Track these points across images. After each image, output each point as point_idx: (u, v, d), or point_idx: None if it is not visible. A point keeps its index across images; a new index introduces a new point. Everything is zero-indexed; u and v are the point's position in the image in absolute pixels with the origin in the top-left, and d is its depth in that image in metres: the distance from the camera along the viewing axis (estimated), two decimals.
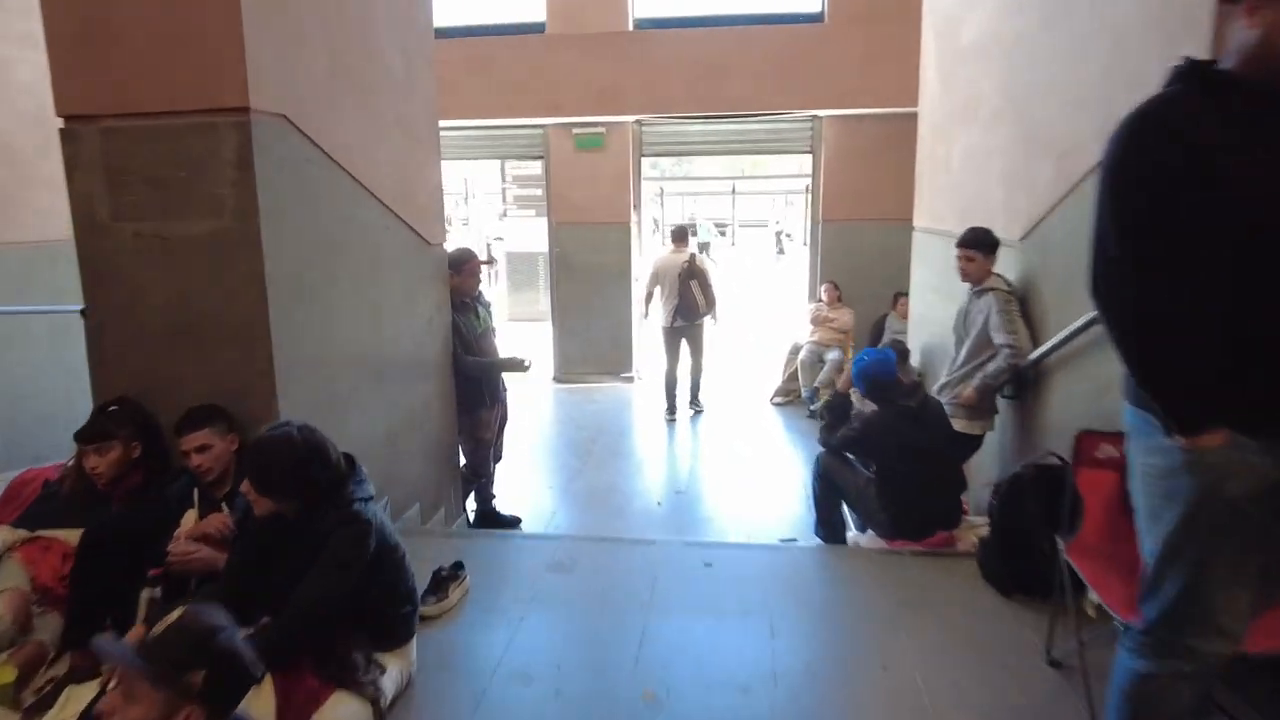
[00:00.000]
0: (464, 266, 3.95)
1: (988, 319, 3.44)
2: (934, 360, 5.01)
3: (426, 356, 3.63)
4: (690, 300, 6.31)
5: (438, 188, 3.79)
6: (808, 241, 7.82)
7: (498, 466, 4.46)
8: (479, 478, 4.23)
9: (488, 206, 13.33)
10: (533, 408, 7.09)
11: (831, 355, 6.99)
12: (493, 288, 13.22)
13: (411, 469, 3.49)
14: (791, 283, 14.47)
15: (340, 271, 2.86)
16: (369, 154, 3.06)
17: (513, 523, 4.40)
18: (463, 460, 4.19)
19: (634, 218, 7.73)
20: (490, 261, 14.05)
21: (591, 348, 7.96)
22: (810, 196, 7.65)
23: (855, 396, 3.78)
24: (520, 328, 11.39)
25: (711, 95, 6.97)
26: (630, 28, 7.13)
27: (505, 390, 4.36)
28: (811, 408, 6.74)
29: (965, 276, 3.54)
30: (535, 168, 8.86)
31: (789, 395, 7.21)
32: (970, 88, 4.24)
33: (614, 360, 7.95)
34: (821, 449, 3.57)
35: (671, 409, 6.63)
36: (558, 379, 8.05)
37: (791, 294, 14.31)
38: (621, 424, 6.59)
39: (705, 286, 6.40)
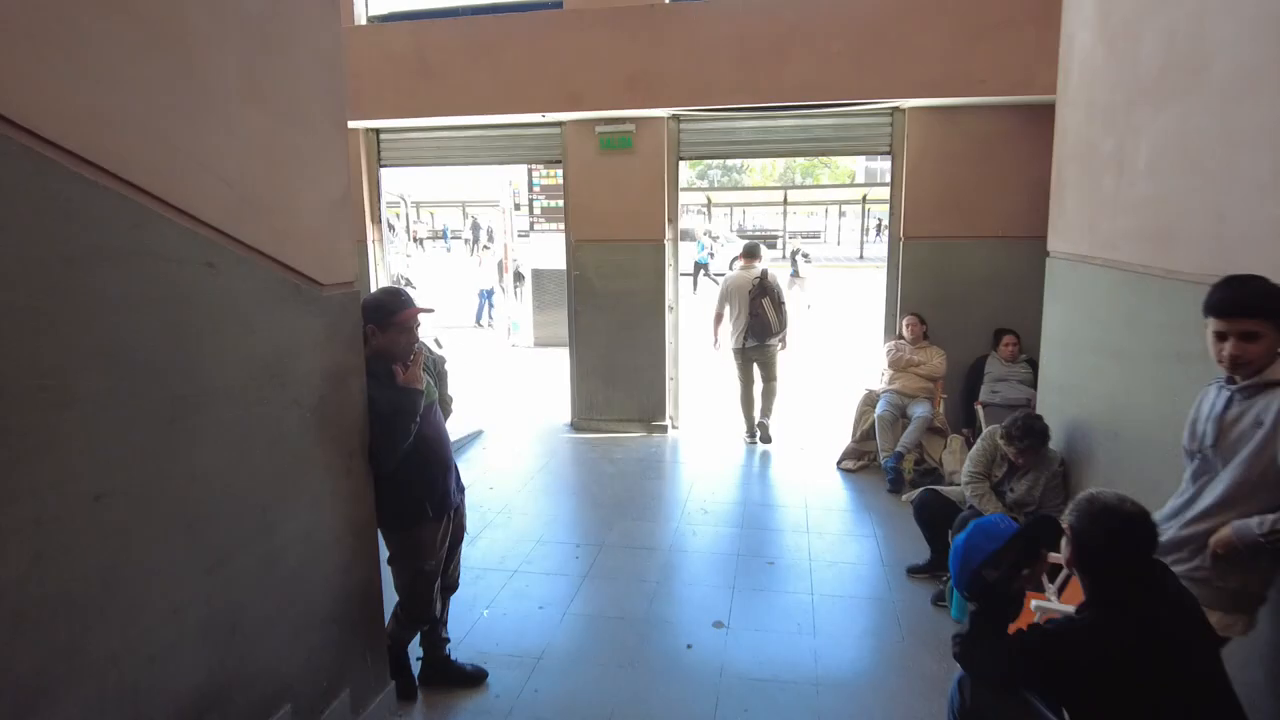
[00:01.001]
0: (393, 318, 2.63)
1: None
2: (1091, 455, 3.50)
3: (307, 463, 2.30)
4: (763, 320, 6.03)
5: (343, 201, 2.48)
6: (886, 261, 6.32)
7: (452, 598, 3.12)
8: (419, 624, 2.88)
9: (504, 218, 12.13)
10: (537, 465, 5.74)
11: (918, 411, 5.48)
12: (519, 304, 12.02)
13: (270, 651, 2.16)
14: (827, 313, 12.92)
15: (74, 356, 1.55)
16: (165, 137, 1.75)
17: (473, 679, 3.05)
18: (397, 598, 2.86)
19: (669, 234, 6.35)
20: (518, 279, 12.93)
21: (617, 390, 6.59)
22: (890, 208, 6.17)
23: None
24: (548, 355, 10.12)
25: (766, 82, 5.55)
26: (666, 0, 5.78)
27: (461, 491, 3.01)
28: (890, 475, 5.23)
29: (1237, 361, 2.00)
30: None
31: (862, 459, 5.71)
32: (1178, 42, 2.75)
33: (644, 406, 6.56)
34: (961, 669, 2.00)
35: (751, 432, 6.36)
36: (575, 425, 6.70)
37: (849, 327, 12.73)
38: (646, 495, 5.19)
39: (778, 305, 6.09)
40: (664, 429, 6.54)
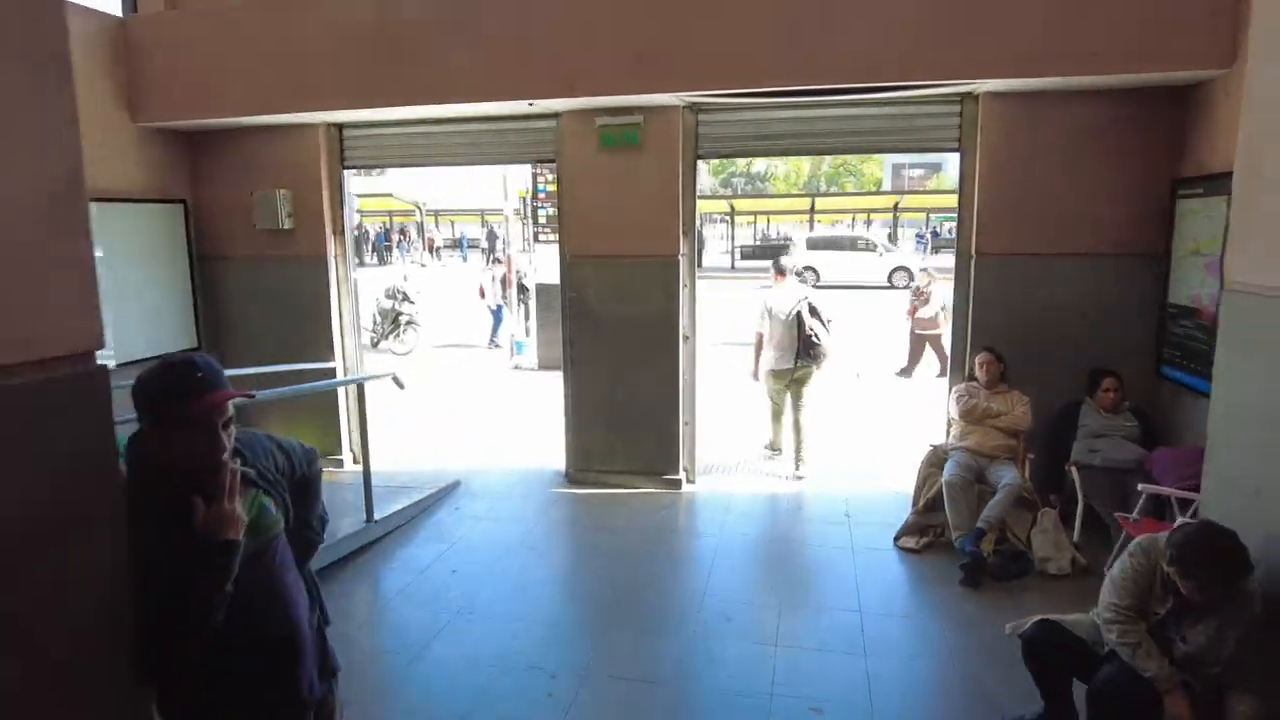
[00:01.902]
0: (174, 410, 1.50)
1: None
2: None
3: None
4: (810, 340, 5.62)
5: (70, 197, 1.37)
6: (954, 282, 5.13)
7: None
8: None
9: (508, 229, 11.08)
10: (517, 536, 4.62)
11: (1003, 477, 4.29)
12: (523, 322, 10.95)
13: None
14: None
15: None
16: None
17: None
18: None
19: (684, 248, 5.22)
20: (523, 293, 11.86)
21: (621, 436, 5.46)
22: (958, 218, 4.99)
23: None
24: (552, 380, 9.01)
25: (804, 61, 4.40)
26: None
27: (329, 676, 1.89)
28: (966, 560, 4.04)
29: None
30: None
31: (926, 535, 4.51)
32: None
33: (653, 455, 5.42)
34: None
35: (776, 445, 6.12)
36: (570, 477, 5.58)
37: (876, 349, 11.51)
38: (651, 587, 4.06)
39: (824, 324, 5.67)
40: (677, 484, 5.39)
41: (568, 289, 5.40)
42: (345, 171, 5.84)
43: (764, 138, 5.08)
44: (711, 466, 5.81)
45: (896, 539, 4.50)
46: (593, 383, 5.45)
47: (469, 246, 34.24)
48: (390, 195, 29.88)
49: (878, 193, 33.24)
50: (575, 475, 5.57)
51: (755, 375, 6.01)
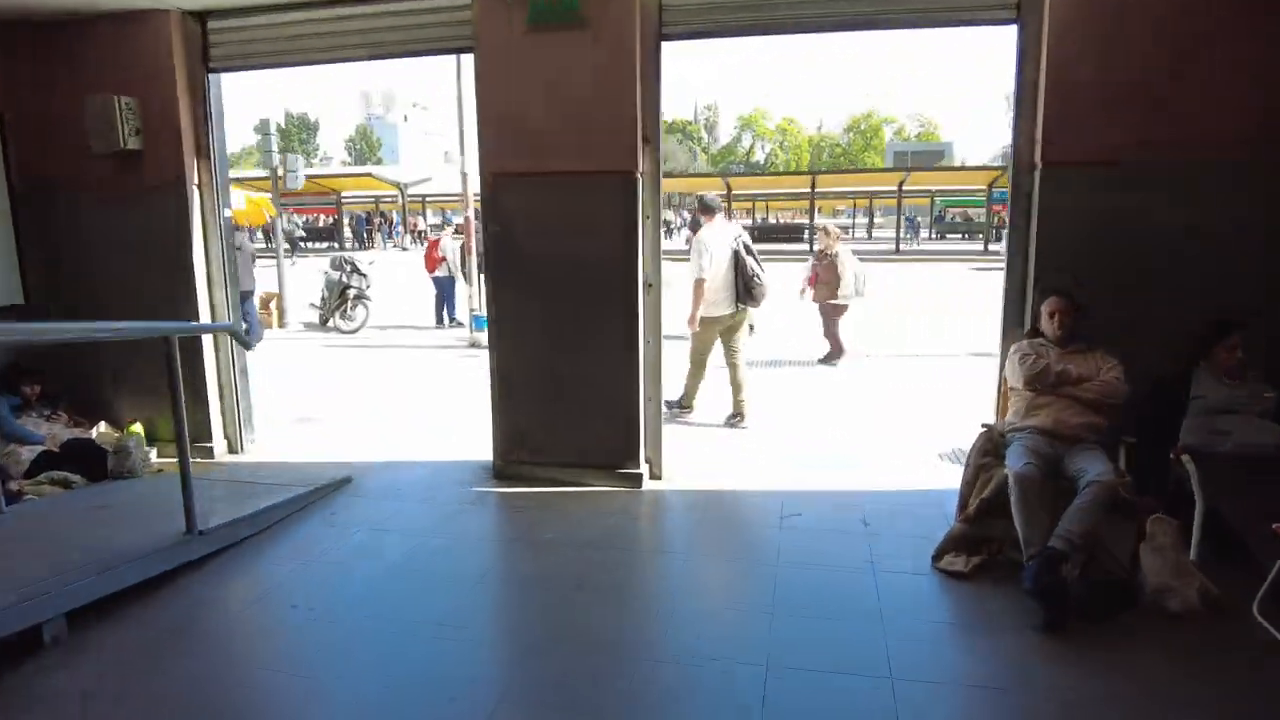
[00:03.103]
0: None
1: None
2: None
3: None
4: (750, 278, 5.16)
5: None
6: (1009, 206, 3.80)
7: None
8: None
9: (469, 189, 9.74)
10: (406, 551, 3.29)
11: (1090, 468, 2.96)
12: (469, 284, 9.62)
13: None
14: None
15: None
16: None
17: None
18: None
19: (644, 164, 3.89)
20: (458, 232, 10.36)
21: (561, 416, 4.14)
22: (1015, 114, 3.64)
23: None
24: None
25: None
26: None
27: None
28: (1036, 586, 2.71)
29: None
30: None
31: (979, 552, 3.17)
32: None
33: (607, 442, 4.10)
34: None
35: (683, 405, 5.57)
36: (497, 471, 4.26)
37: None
38: (589, 626, 2.75)
39: (759, 263, 5.25)
40: (636, 480, 4.07)
41: (489, 223, 4.07)
42: (211, 75, 4.50)
43: (755, 7, 3.71)
44: (681, 455, 4.48)
45: (937, 558, 3.17)
46: (524, 349, 4.13)
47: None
48: (369, 175, 28.55)
49: (883, 170, 31.89)
50: (504, 469, 4.25)
51: (694, 323, 5.28)
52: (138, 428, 4.64)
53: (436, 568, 3.24)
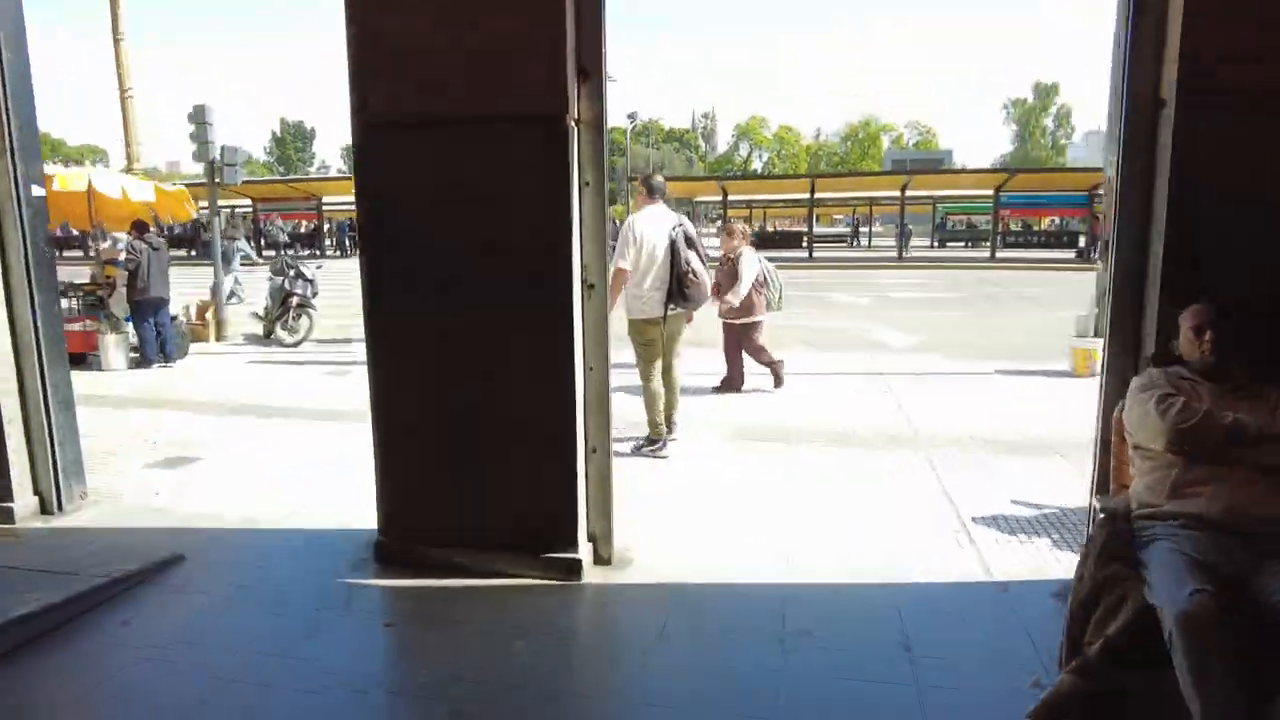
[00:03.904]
0: None
1: None
2: None
3: None
4: (693, 276, 4.42)
5: None
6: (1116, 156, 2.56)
7: None
8: None
9: None
10: (214, 682, 2.05)
11: None
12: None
13: None
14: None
15: None
16: None
17: None
18: None
19: (581, 108, 2.66)
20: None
21: (470, 476, 2.88)
22: (1130, 21, 2.42)
23: None
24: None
25: None
26: None
27: None
28: None
29: None
30: None
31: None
32: None
33: (530, 513, 2.84)
34: None
35: (660, 435, 4.59)
36: (381, 551, 3.00)
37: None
38: None
39: (703, 259, 4.59)
40: (573, 568, 2.81)
41: (363, 195, 2.84)
42: None
43: None
44: (638, 527, 3.23)
45: None
46: (411, 377, 2.88)
47: None
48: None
49: (884, 173, 30.85)
50: (390, 547, 2.99)
51: (613, 307, 3.98)
52: None
53: None
